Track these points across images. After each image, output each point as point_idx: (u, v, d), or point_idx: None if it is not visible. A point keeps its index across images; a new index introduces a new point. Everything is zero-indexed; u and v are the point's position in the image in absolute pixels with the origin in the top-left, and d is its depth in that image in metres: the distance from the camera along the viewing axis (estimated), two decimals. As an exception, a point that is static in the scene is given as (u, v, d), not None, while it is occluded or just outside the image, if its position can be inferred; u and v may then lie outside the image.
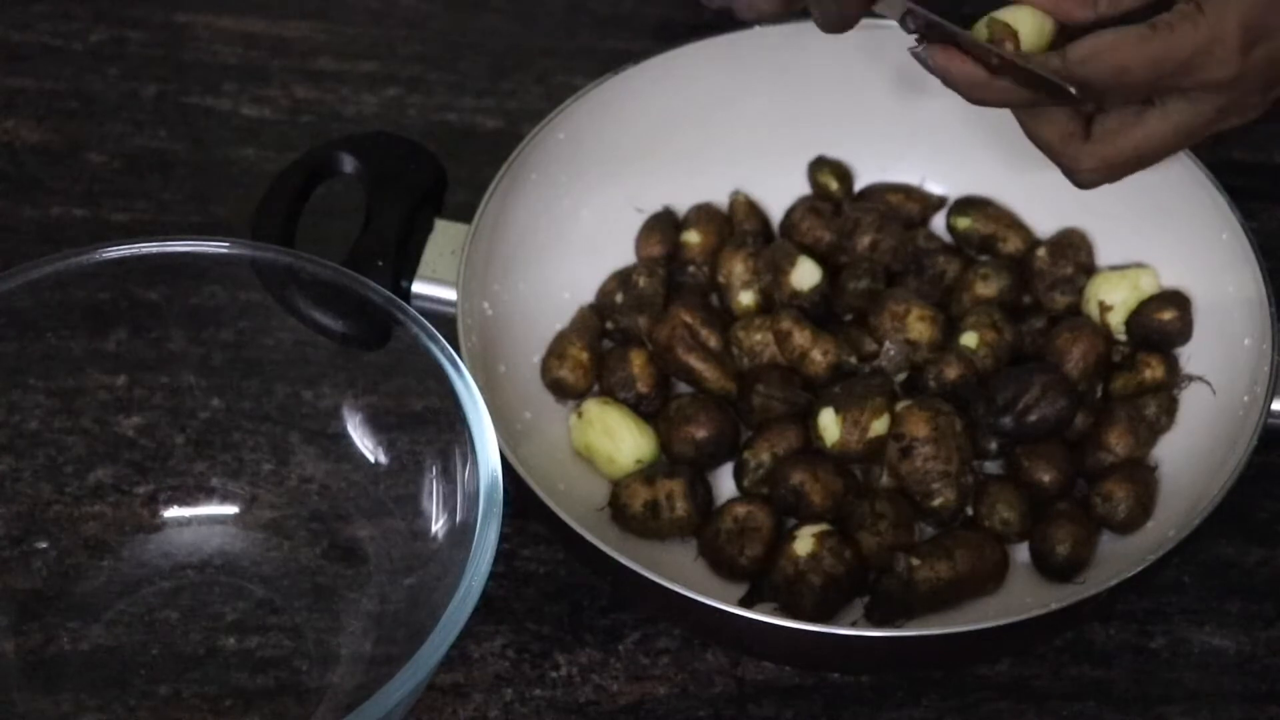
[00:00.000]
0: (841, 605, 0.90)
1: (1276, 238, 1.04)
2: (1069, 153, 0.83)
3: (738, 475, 0.95)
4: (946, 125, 1.03)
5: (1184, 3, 0.79)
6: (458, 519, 0.85)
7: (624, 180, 1.02)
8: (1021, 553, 0.93)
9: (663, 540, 0.93)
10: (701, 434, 0.94)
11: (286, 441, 0.93)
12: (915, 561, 0.89)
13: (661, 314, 0.98)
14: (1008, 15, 0.82)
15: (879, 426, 0.92)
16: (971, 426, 0.93)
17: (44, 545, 0.91)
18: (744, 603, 0.90)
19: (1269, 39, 0.80)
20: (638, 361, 0.97)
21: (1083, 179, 0.84)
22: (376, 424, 0.92)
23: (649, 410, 0.96)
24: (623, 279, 1.00)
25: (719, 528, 0.92)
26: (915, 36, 0.83)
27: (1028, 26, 0.82)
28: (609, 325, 0.99)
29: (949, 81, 0.82)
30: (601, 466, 0.95)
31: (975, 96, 0.82)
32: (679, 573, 0.89)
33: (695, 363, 0.96)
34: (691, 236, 1.02)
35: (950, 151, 1.03)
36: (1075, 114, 0.83)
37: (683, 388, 0.98)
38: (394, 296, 0.87)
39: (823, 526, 0.90)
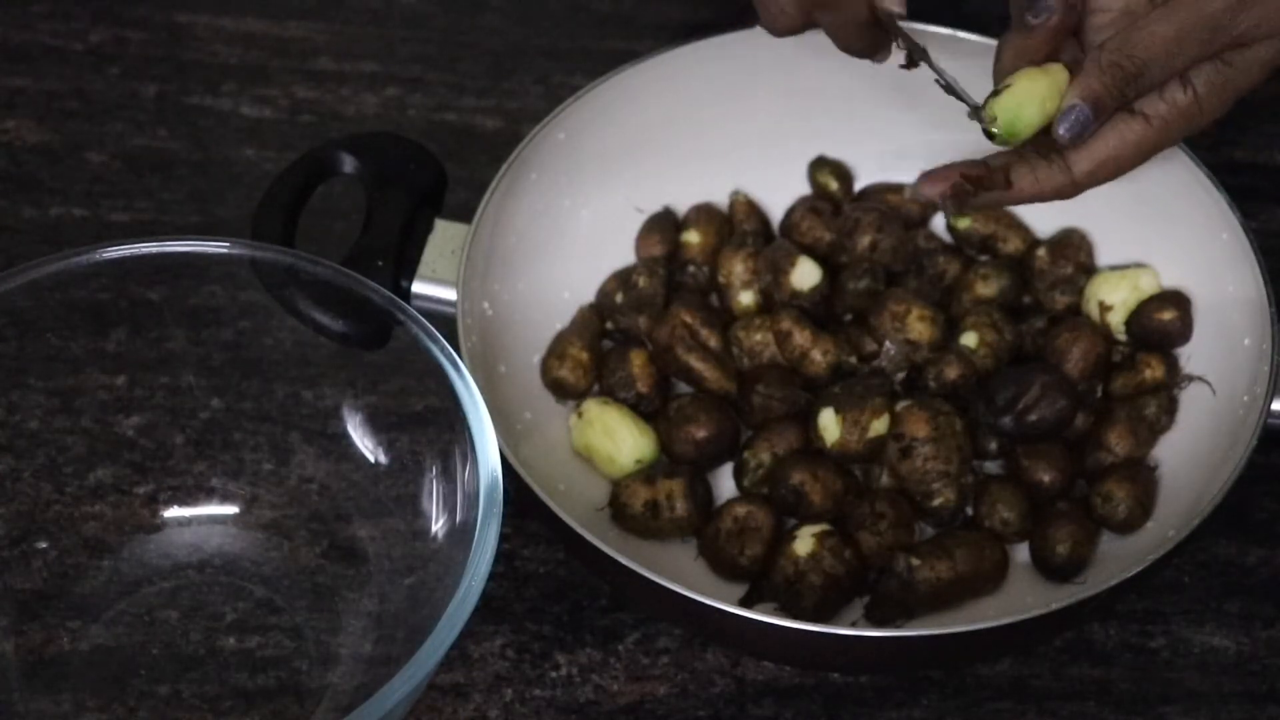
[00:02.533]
0: (841, 605, 0.90)
1: (1276, 238, 1.04)
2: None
3: (738, 475, 0.95)
4: (946, 125, 1.03)
5: (1180, 91, 0.82)
6: (458, 519, 0.85)
7: (624, 180, 1.02)
8: (1021, 553, 0.93)
9: (662, 540, 0.93)
10: (701, 434, 0.94)
11: (286, 441, 0.93)
12: (915, 561, 0.89)
13: (661, 314, 0.98)
14: (1008, 102, 0.83)
15: (879, 426, 0.92)
16: (971, 426, 0.94)
17: (44, 545, 0.91)
18: (744, 603, 0.90)
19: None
20: (638, 361, 0.97)
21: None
22: (376, 424, 0.92)
23: (649, 410, 0.96)
24: (623, 279, 1.00)
25: (719, 528, 0.92)
26: (901, 63, 0.87)
27: (1031, 111, 0.83)
28: (609, 325, 0.99)
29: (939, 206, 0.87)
30: (601, 466, 0.95)
31: (996, 207, 0.88)
32: (679, 573, 0.89)
33: (695, 363, 0.96)
34: (691, 236, 1.02)
35: (950, 152, 1.03)
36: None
37: (683, 388, 0.98)
38: (394, 296, 0.87)
39: (823, 526, 0.91)
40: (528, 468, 0.87)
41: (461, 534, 0.83)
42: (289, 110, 1.13)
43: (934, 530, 0.93)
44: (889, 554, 0.90)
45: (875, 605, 0.90)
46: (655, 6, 1.19)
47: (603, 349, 0.99)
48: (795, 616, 0.88)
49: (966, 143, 1.03)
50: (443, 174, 0.97)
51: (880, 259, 1.00)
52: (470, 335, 0.93)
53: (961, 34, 0.99)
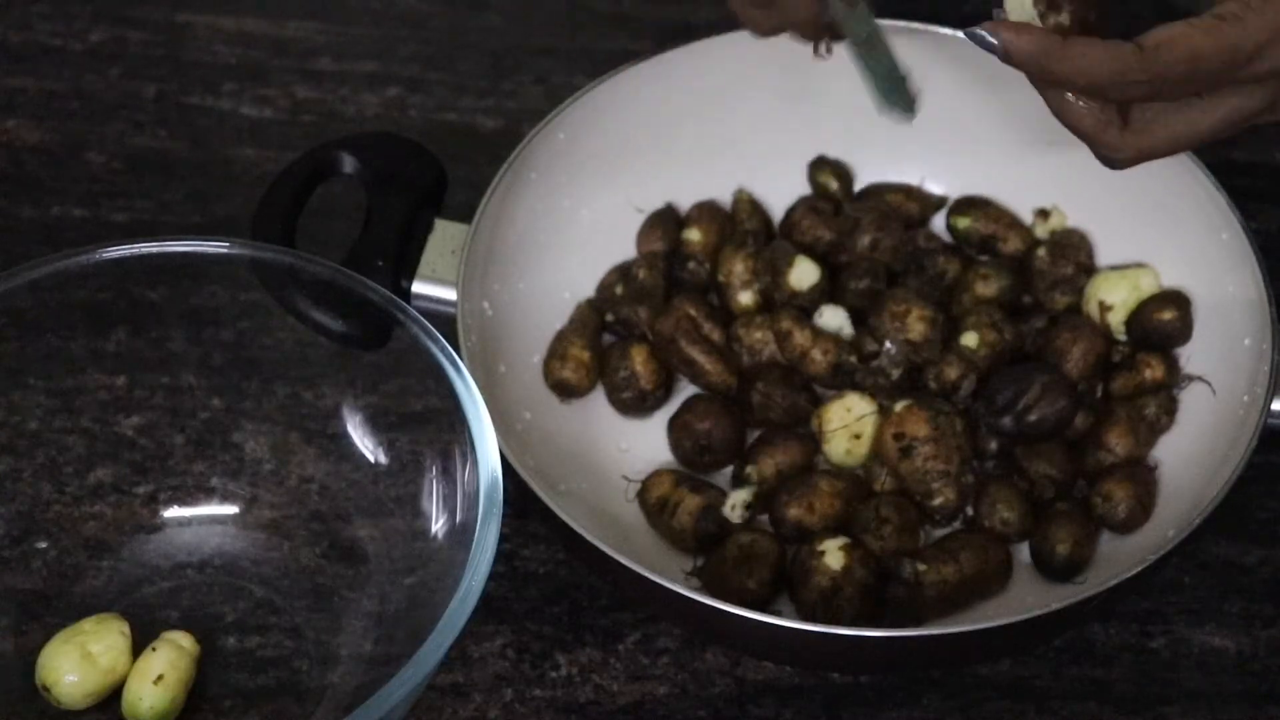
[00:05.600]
0: (875, 612, 0.89)
1: (1276, 238, 1.04)
2: (1106, 140, 0.80)
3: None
4: (946, 125, 1.03)
5: None
6: (458, 519, 0.85)
7: (624, 180, 1.02)
8: (1022, 553, 0.93)
9: (666, 539, 0.93)
10: (704, 426, 0.94)
11: (286, 441, 0.93)
12: (922, 567, 0.88)
13: (662, 307, 0.98)
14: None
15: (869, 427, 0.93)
16: (971, 426, 0.93)
17: (44, 545, 0.91)
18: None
19: None
20: (639, 357, 0.97)
21: (1117, 165, 0.82)
22: (376, 424, 0.92)
23: (653, 406, 0.97)
24: (623, 271, 1.00)
25: (724, 556, 0.91)
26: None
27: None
28: (609, 318, 0.99)
29: (1014, 60, 0.78)
30: None
31: (1049, 69, 0.78)
32: (679, 573, 0.89)
33: (698, 355, 0.96)
34: (693, 234, 1.02)
35: (950, 151, 1.03)
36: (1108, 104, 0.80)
37: (686, 388, 0.98)
38: (394, 296, 0.88)
39: (844, 540, 0.90)
40: (528, 468, 0.87)
41: (461, 534, 0.83)
42: (289, 110, 1.13)
43: (934, 530, 0.93)
44: (895, 559, 0.89)
45: (884, 613, 0.89)
46: (655, 6, 1.19)
47: (603, 344, 0.99)
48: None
49: (967, 143, 1.04)
50: (443, 174, 0.97)
51: (880, 259, 1.00)
52: (470, 335, 0.93)
53: (964, 35, 0.99)
